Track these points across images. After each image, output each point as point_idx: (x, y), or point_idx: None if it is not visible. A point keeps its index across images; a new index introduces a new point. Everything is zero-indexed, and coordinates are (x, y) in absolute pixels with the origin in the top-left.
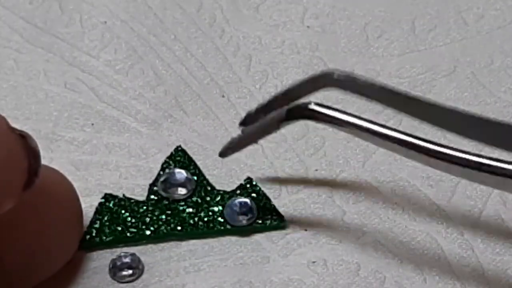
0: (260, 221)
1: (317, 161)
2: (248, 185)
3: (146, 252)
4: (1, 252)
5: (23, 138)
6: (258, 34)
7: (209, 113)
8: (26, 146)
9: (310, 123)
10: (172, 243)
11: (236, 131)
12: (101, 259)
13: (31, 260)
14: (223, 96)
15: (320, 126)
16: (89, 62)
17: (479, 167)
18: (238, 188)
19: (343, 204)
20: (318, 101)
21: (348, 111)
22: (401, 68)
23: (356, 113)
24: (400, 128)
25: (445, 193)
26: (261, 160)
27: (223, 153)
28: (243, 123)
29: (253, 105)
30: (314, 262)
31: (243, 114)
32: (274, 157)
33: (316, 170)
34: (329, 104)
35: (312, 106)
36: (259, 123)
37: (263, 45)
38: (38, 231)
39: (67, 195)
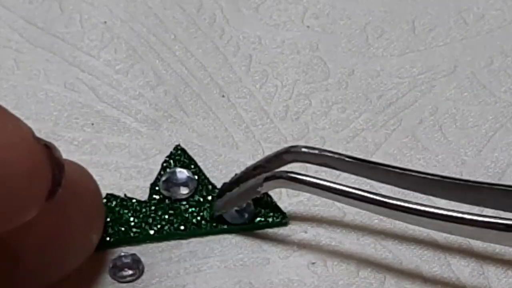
0: (262, 219)
1: None
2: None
3: (146, 253)
4: (19, 250)
5: (48, 148)
6: (258, 34)
7: (209, 113)
8: (51, 157)
9: (310, 124)
10: (173, 244)
11: (236, 131)
12: (101, 259)
13: (48, 259)
14: (223, 96)
15: (320, 126)
16: (89, 62)
17: (461, 221)
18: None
19: (343, 205)
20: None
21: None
22: (401, 68)
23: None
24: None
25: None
26: None
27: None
28: (219, 195)
29: (253, 105)
30: (314, 263)
31: (243, 114)
32: None
33: (316, 171)
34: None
35: (289, 174)
36: (240, 189)
37: (263, 45)
38: (57, 230)
39: (90, 193)
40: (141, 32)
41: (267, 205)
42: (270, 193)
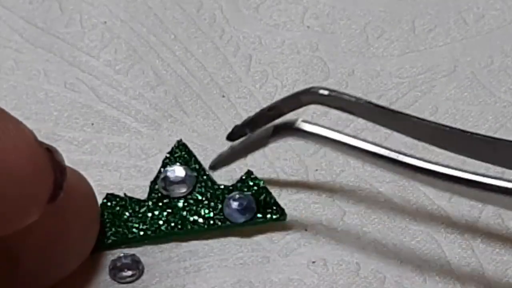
0: (260, 215)
1: (317, 161)
2: (248, 179)
3: (146, 253)
4: (19, 251)
5: (50, 152)
6: (258, 34)
7: (209, 113)
8: (53, 160)
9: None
10: (172, 244)
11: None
12: (101, 260)
13: (47, 260)
14: (223, 96)
15: None
16: (89, 62)
17: (467, 183)
18: (238, 182)
19: (343, 204)
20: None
21: (339, 125)
22: (401, 68)
23: (344, 130)
24: (387, 143)
25: (445, 193)
26: (261, 160)
27: (213, 166)
28: (230, 137)
29: (253, 105)
30: (314, 262)
31: (243, 114)
32: (274, 157)
33: (316, 170)
34: (318, 119)
35: (299, 123)
36: (247, 138)
37: (263, 45)
38: (55, 232)
39: (86, 197)
40: (141, 32)
41: (266, 201)
42: (270, 190)
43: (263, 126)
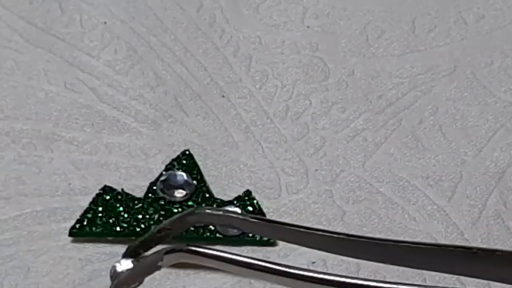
0: (250, 235)
1: (317, 161)
2: (246, 197)
3: None
4: None
5: None
6: (258, 34)
7: (209, 113)
8: None
9: (310, 124)
10: None
11: (236, 131)
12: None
13: None
14: (223, 96)
15: (320, 126)
16: (89, 62)
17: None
18: (235, 199)
19: (343, 204)
20: None
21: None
22: (401, 68)
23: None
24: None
25: (445, 193)
26: (261, 160)
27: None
28: (125, 256)
29: (253, 105)
30: (314, 262)
31: (243, 114)
32: (274, 157)
33: (316, 170)
34: None
35: (188, 246)
36: (140, 264)
37: (263, 45)
38: None
39: None
40: (141, 32)
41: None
42: (270, 193)
43: (153, 249)
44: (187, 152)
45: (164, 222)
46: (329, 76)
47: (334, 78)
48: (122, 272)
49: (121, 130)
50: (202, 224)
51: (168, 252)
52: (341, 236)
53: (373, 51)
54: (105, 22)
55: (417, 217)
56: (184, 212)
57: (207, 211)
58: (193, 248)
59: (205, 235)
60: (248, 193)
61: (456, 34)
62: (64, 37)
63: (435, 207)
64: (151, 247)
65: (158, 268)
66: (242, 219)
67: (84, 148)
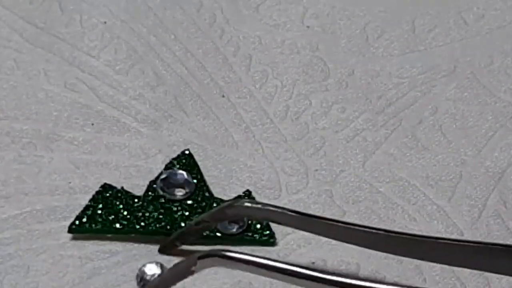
0: (250, 234)
1: (317, 161)
2: (246, 197)
3: (146, 256)
4: None
5: None
6: (258, 34)
7: (209, 113)
8: None
9: (310, 124)
10: None
11: (236, 131)
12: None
13: None
14: (223, 96)
15: (320, 126)
16: (89, 62)
17: None
18: (235, 198)
19: (343, 204)
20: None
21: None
22: (401, 68)
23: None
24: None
25: (445, 193)
26: (261, 160)
27: None
28: (162, 250)
29: (253, 105)
30: (313, 262)
31: (243, 114)
32: (274, 157)
33: (316, 170)
34: None
35: (222, 252)
36: (173, 269)
37: (263, 45)
38: None
39: None
40: (141, 32)
41: (259, 222)
42: (270, 193)
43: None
44: (187, 152)
45: (203, 214)
46: (329, 76)
47: (334, 78)
48: (153, 276)
49: (121, 130)
50: (241, 217)
51: (201, 257)
52: (383, 233)
53: (373, 51)
54: (105, 22)
55: (417, 217)
56: (223, 204)
57: (246, 204)
58: (228, 254)
59: (204, 234)
60: (248, 193)
61: (456, 34)
62: (64, 37)
63: (435, 207)
64: (188, 240)
65: (191, 273)
66: (280, 212)
67: (84, 148)
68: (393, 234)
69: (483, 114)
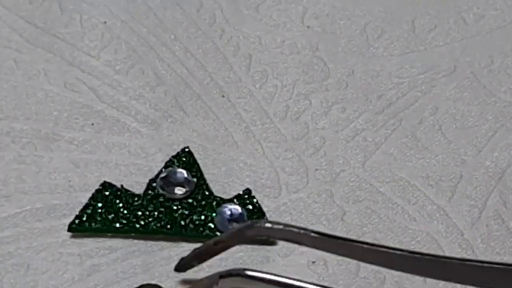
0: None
1: (317, 161)
2: (246, 196)
3: (146, 252)
4: None
5: None
6: (258, 34)
7: (209, 113)
8: None
9: (310, 124)
10: (172, 243)
11: (236, 131)
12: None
13: None
14: (223, 96)
15: (320, 126)
16: (89, 62)
17: None
18: (235, 197)
19: (343, 203)
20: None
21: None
22: (401, 68)
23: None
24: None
25: (445, 193)
26: (261, 160)
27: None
28: (177, 269)
29: (253, 105)
30: (314, 262)
31: (243, 114)
32: (274, 157)
33: (316, 170)
34: None
35: (244, 271)
36: (195, 286)
37: (263, 45)
38: None
39: None
40: (141, 32)
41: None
42: (270, 193)
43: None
44: (186, 150)
45: (221, 235)
46: (329, 76)
47: (334, 78)
48: None
49: (121, 130)
50: (261, 238)
51: (223, 276)
52: (407, 254)
53: (373, 51)
54: (105, 22)
55: (417, 217)
56: (243, 225)
57: (267, 224)
58: (250, 273)
59: (204, 233)
60: (248, 191)
61: (456, 34)
62: (64, 37)
63: (435, 207)
64: (205, 260)
65: None
66: (302, 233)
67: (84, 148)
68: (417, 255)
69: (483, 114)
